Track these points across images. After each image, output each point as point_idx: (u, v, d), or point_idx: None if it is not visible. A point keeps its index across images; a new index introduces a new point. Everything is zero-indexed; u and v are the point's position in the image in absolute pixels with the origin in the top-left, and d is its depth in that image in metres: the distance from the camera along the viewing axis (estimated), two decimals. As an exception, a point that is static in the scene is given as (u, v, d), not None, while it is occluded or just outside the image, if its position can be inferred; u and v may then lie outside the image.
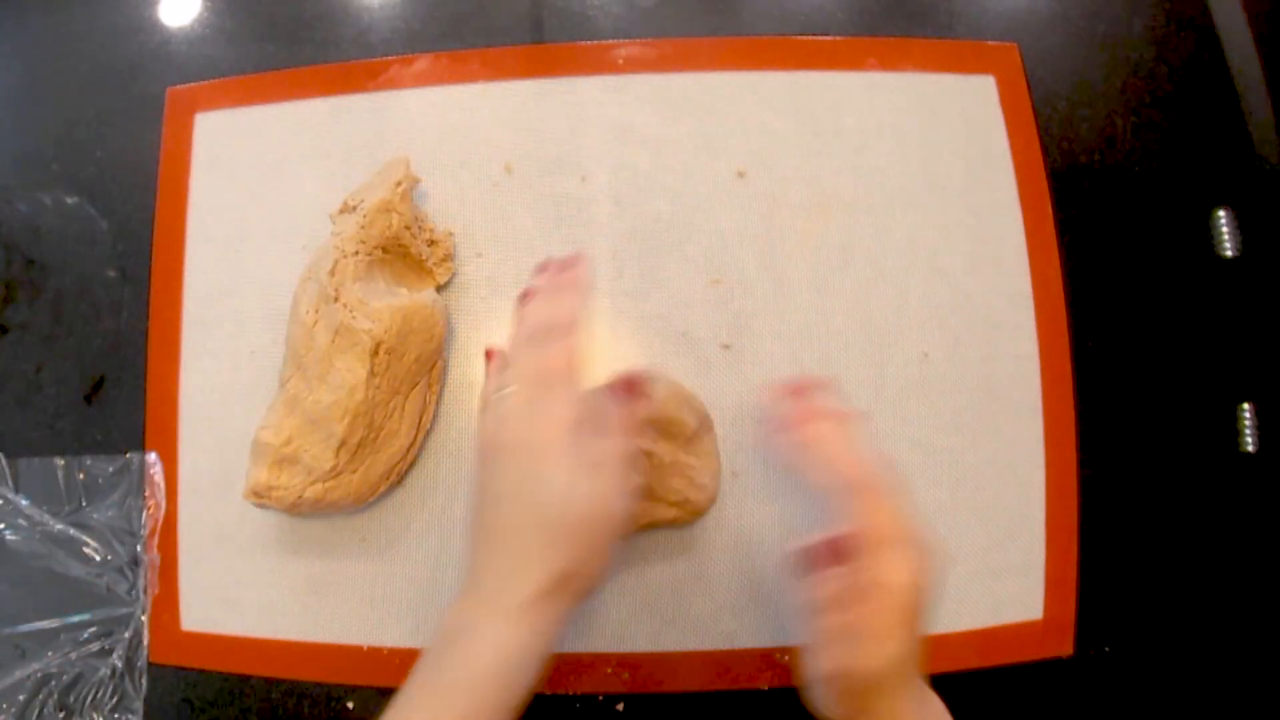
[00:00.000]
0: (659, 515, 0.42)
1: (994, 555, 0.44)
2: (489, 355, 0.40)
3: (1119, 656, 0.44)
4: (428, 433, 0.45)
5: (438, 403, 0.45)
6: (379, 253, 0.43)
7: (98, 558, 0.46)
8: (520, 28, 0.50)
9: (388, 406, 0.41)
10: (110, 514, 0.47)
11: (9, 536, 0.47)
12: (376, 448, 0.42)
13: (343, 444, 0.40)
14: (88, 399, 0.48)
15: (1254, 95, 0.50)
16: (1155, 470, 0.46)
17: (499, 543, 0.34)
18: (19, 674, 0.45)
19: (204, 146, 0.50)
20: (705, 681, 0.43)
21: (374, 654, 0.44)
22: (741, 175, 0.47)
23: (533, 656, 0.33)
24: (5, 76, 0.52)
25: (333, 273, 0.41)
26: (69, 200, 0.50)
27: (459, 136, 0.49)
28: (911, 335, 0.46)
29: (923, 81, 0.49)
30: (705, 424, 0.43)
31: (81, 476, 0.47)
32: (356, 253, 0.42)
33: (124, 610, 0.46)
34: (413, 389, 0.43)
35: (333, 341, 0.40)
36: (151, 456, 0.47)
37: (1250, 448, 0.46)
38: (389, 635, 0.44)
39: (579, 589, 0.34)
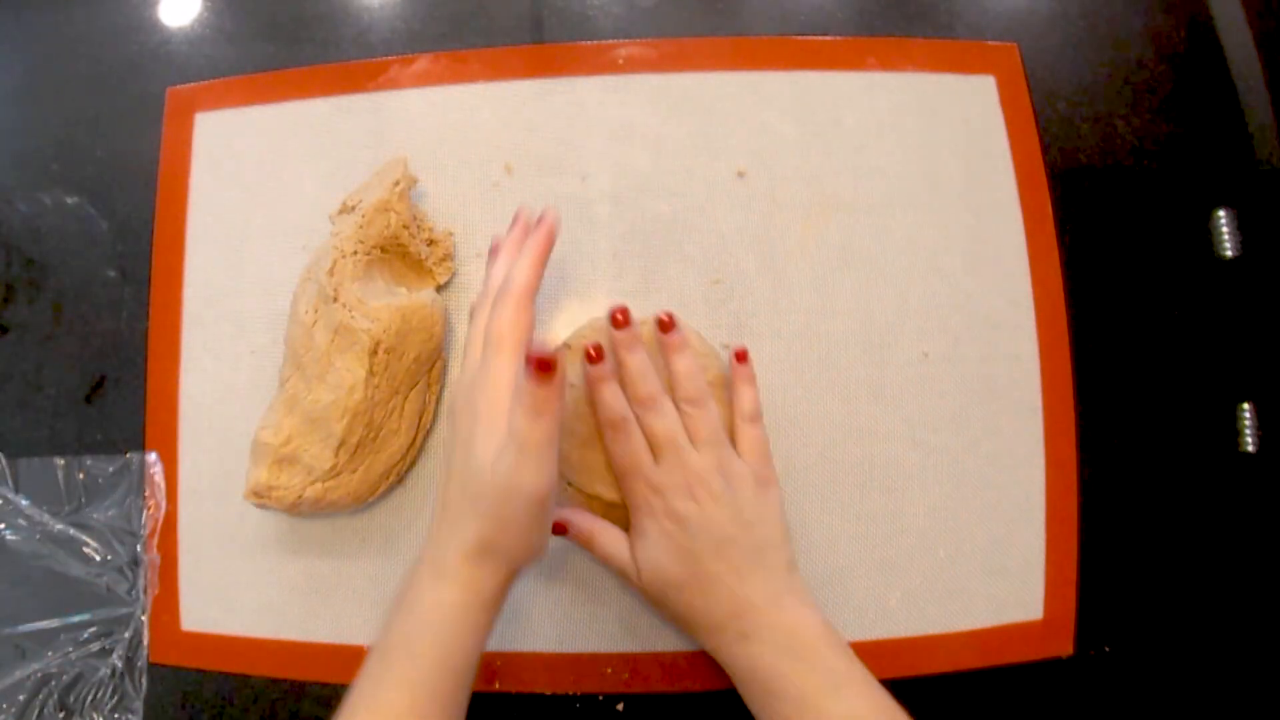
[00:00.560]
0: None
1: (994, 555, 0.44)
2: (493, 251, 0.43)
3: (1119, 656, 0.44)
4: (428, 432, 0.45)
5: (437, 402, 0.45)
6: (378, 252, 0.43)
7: (98, 558, 0.46)
8: (520, 28, 0.50)
9: (387, 406, 0.41)
10: (110, 514, 0.47)
11: (9, 536, 0.47)
12: (376, 447, 0.42)
13: (342, 443, 0.40)
14: (88, 399, 0.48)
15: (1254, 95, 0.50)
16: (1155, 470, 0.46)
17: (440, 505, 0.35)
18: (19, 674, 0.45)
19: (204, 146, 0.50)
20: (705, 681, 0.43)
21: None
22: (741, 175, 0.47)
23: (470, 614, 0.33)
24: (5, 76, 0.52)
25: (331, 272, 0.41)
26: (69, 200, 0.50)
27: (459, 136, 0.49)
28: (911, 335, 0.46)
29: (923, 81, 0.49)
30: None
31: (81, 476, 0.47)
32: (355, 252, 0.42)
33: (124, 610, 0.46)
34: (412, 389, 0.43)
35: (332, 341, 0.40)
36: (151, 456, 0.47)
37: (1250, 448, 0.46)
38: (389, 635, 0.44)
39: (506, 557, 0.34)
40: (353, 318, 0.40)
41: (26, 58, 0.53)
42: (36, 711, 0.45)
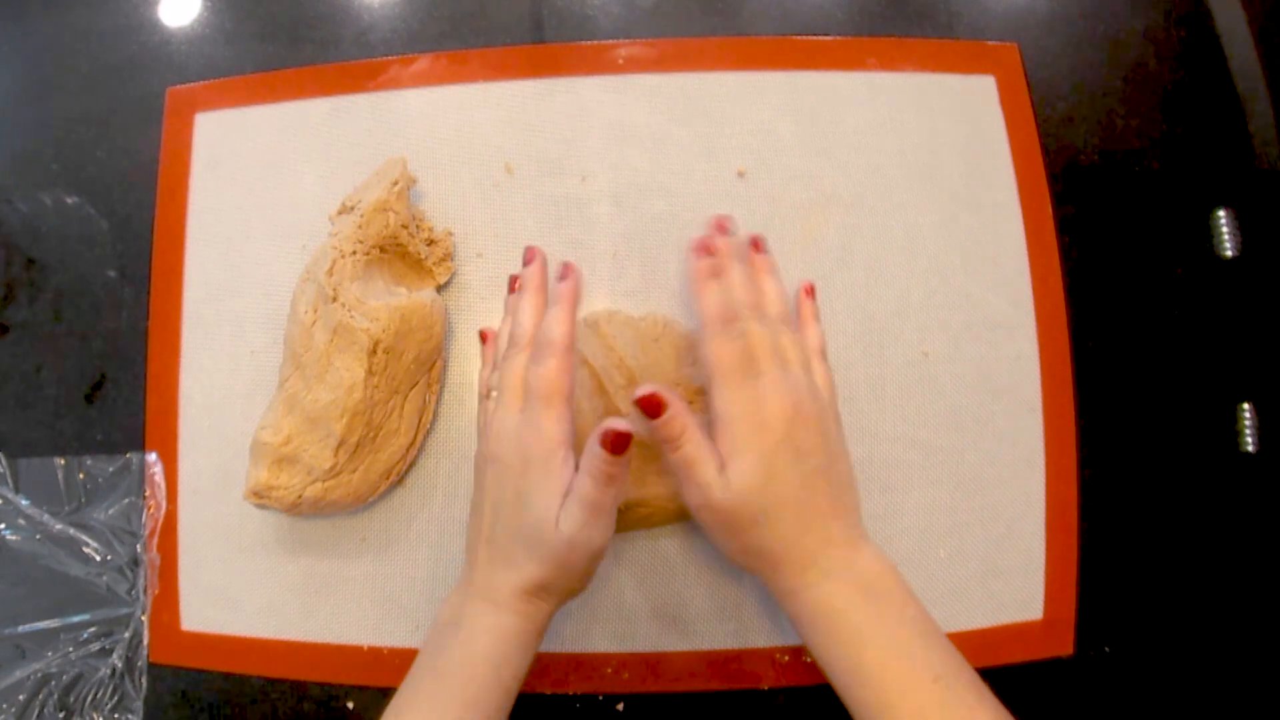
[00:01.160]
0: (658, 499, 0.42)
1: (994, 555, 0.44)
2: (483, 337, 0.44)
3: (1119, 656, 0.44)
4: (428, 432, 0.45)
5: (437, 402, 0.45)
6: (376, 252, 0.43)
7: (98, 558, 0.46)
8: (520, 28, 0.50)
9: (386, 406, 0.41)
10: (110, 514, 0.47)
11: (9, 536, 0.47)
12: (376, 447, 0.42)
13: (341, 443, 0.40)
14: (88, 399, 0.48)
15: (1254, 95, 0.50)
16: (1155, 470, 0.46)
17: (487, 544, 0.36)
18: (19, 674, 0.45)
19: (204, 146, 0.50)
20: (705, 681, 0.43)
21: (374, 654, 0.44)
22: (741, 175, 0.47)
23: (523, 640, 0.35)
24: (5, 76, 0.52)
25: (330, 272, 0.41)
26: (69, 200, 0.50)
27: (459, 136, 0.49)
28: (911, 335, 0.46)
29: (923, 81, 0.49)
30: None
31: (81, 476, 0.47)
32: (354, 252, 0.42)
33: (124, 610, 0.46)
34: (412, 389, 0.43)
35: (331, 341, 0.40)
36: (151, 456, 0.47)
37: (1250, 448, 0.46)
38: (389, 635, 0.44)
39: (560, 593, 0.36)
40: (352, 317, 0.40)
41: (26, 58, 0.53)
42: (36, 711, 0.45)
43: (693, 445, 0.35)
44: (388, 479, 0.43)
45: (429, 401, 0.44)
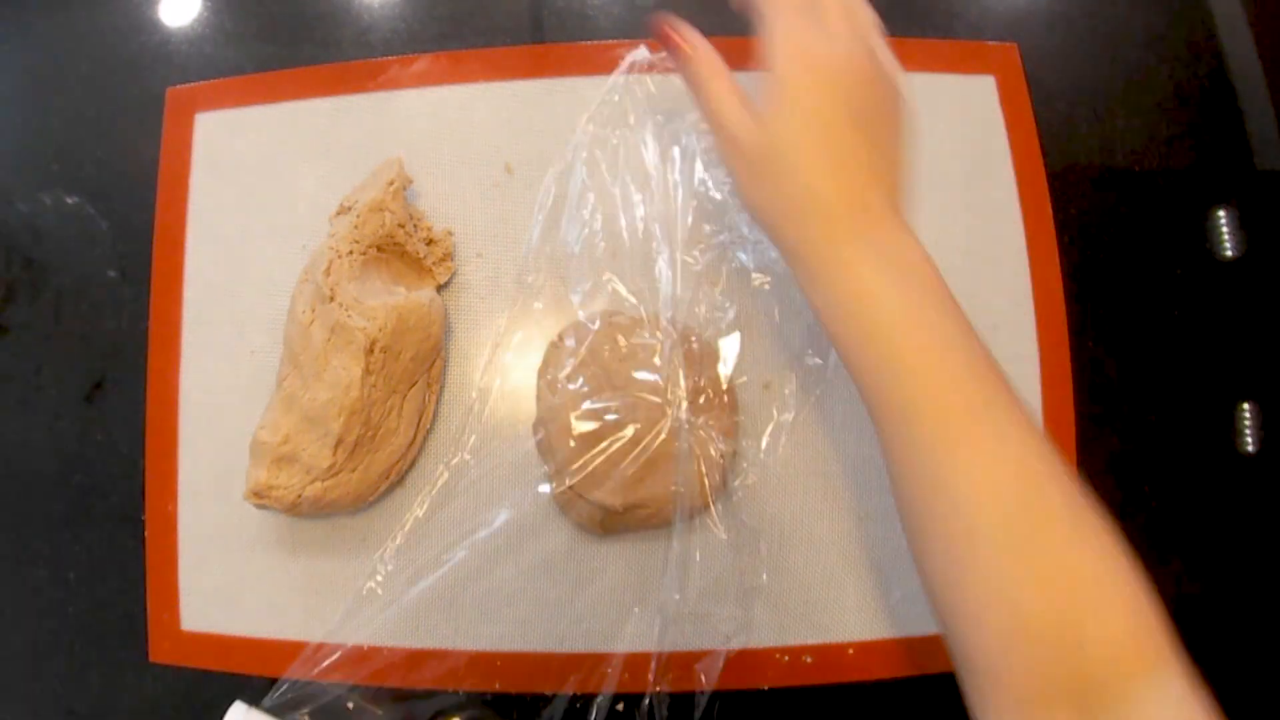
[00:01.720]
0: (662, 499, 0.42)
1: (994, 555, 0.44)
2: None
3: (1119, 657, 0.44)
4: (428, 432, 0.45)
5: (437, 402, 0.45)
6: (374, 252, 0.43)
7: (98, 558, 0.46)
8: (520, 28, 0.50)
9: (385, 405, 0.41)
10: (110, 514, 0.47)
11: (9, 536, 0.47)
12: (375, 446, 0.42)
13: (340, 442, 0.40)
14: (88, 399, 0.48)
15: (1254, 95, 0.50)
16: (1155, 470, 0.46)
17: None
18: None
19: (204, 146, 0.50)
20: (705, 681, 0.43)
21: (374, 653, 0.44)
22: (741, 175, 0.47)
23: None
24: (5, 76, 0.52)
25: (328, 272, 0.41)
26: (69, 200, 0.50)
27: (459, 136, 0.49)
28: (911, 335, 0.46)
29: (922, 81, 0.49)
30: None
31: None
32: (351, 252, 0.42)
33: (124, 610, 0.46)
34: (411, 388, 0.43)
35: (328, 340, 0.40)
36: (152, 458, 0.47)
37: (1250, 448, 0.46)
38: (389, 635, 0.44)
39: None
40: (349, 316, 0.40)
41: (26, 58, 0.53)
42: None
43: (719, 80, 0.34)
44: (387, 479, 0.43)
45: (429, 402, 0.44)
